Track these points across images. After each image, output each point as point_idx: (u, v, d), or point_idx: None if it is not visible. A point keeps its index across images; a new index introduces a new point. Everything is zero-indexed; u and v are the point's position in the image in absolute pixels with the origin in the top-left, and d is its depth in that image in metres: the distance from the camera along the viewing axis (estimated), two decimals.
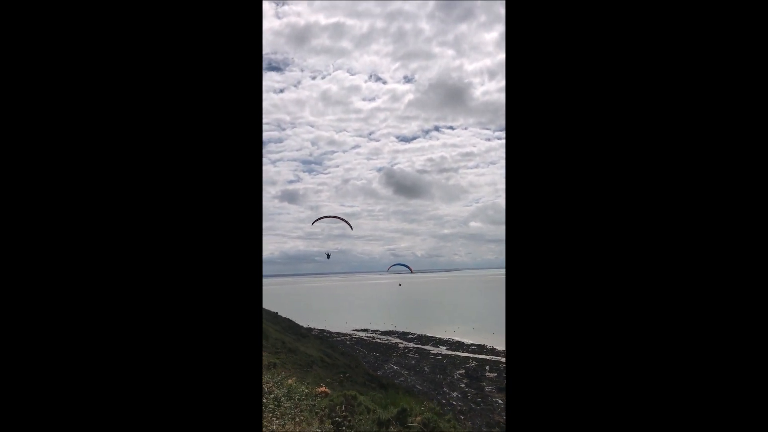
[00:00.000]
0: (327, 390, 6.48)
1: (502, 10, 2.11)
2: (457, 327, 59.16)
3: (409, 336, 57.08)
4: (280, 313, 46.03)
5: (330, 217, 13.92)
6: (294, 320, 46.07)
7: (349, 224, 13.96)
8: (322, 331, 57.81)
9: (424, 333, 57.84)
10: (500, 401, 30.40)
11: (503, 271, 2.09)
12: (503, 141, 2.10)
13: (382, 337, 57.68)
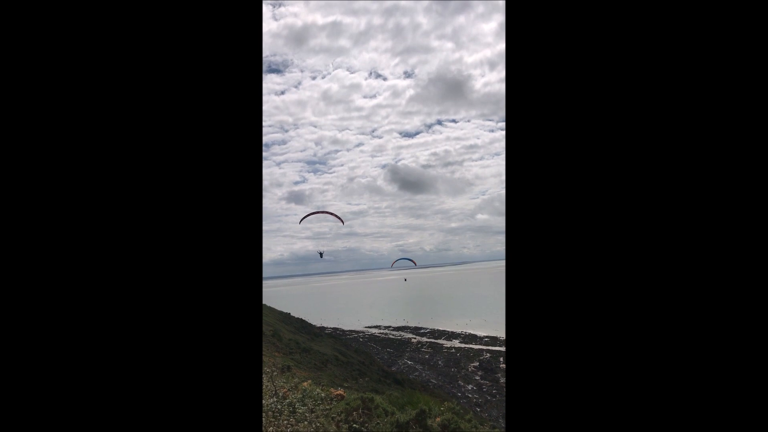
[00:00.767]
0: (343, 393, 6.36)
1: (501, 1, 2.02)
2: (469, 320, 59.05)
3: (422, 331, 57.09)
4: (292, 314, 46.23)
5: (318, 213, 13.33)
6: (306, 320, 46.26)
7: (339, 219, 13.39)
8: (335, 329, 58.05)
9: (436, 327, 57.83)
10: None
11: None
12: None
13: (394, 333, 57.76)
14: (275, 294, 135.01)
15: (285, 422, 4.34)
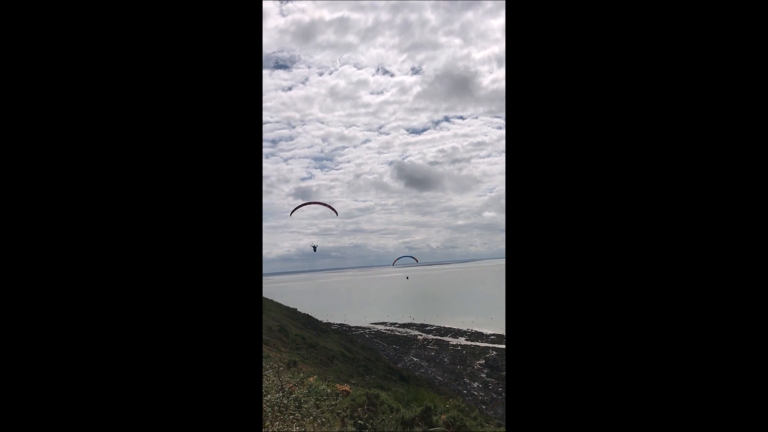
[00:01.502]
0: (348, 389, 6.38)
1: None
2: (475, 317, 58.90)
3: (428, 328, 57.08)
4: (299, 309, 46.47)
5: (310, 203, 12.66)
6: (313, 316, 46.47)
7: (333, 210, 12.68)
8: (341, 325, 58.27)
9: (442, 324, 57.78)
10: None
11: None
12: None
13: (400, 329, 57.82)
14: (282, 289, 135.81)
15: (291, 417, 4.37)
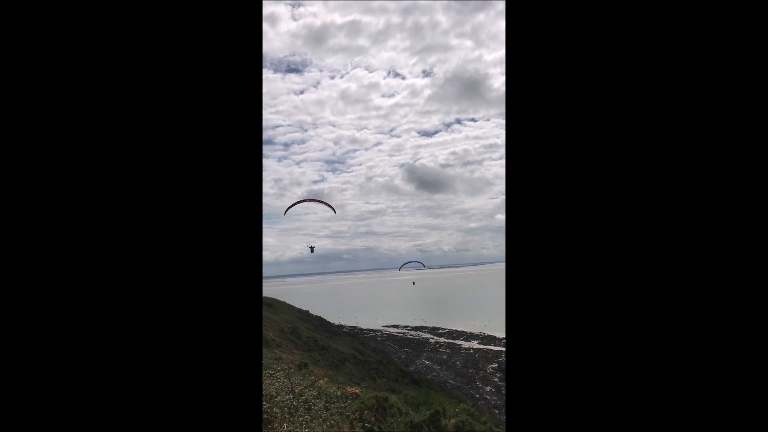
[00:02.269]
0: (358, 391, 6.40)
1: None
2: (488, 321, 58.34)
3: (440, 331, 56.77)
4: (311, 311, 46.69)
5: (306, 201, 11.74)
6: (325, 318, 46.64)
7: (330, 207, 11.90)
8: (353, 327, 58.32)
9: (454, 328, 57.40)
10: None
11: None
12: None
13: (412, 332, 57.62)
14: (295, 291, 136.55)
15: (300, 419, 4.41)
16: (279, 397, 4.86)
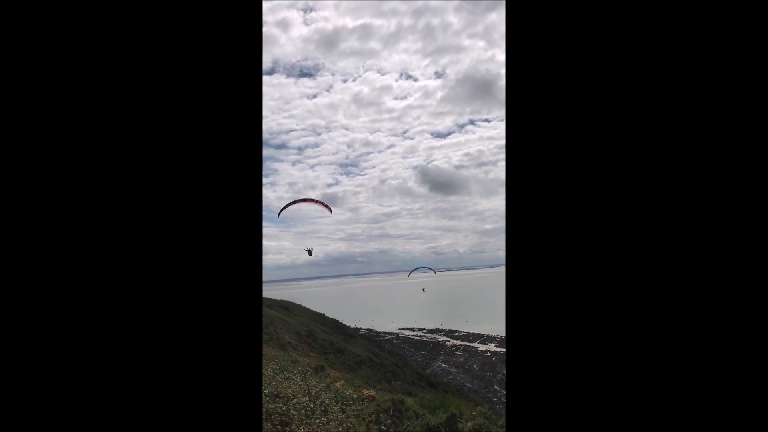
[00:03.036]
0: (374, 394, 6.41)
1: None
2: (504, 323, 57.57)
3: (456, 334, 56.34)
4: (327, 314, 46.93)
5: (301, 201, 11.00)
6: (341, 321, 46.81)
7: (327, 207, 11.21)
8: (369, 330, 58.36)
9: (471, 330, 56.88)
10: None
11: None
12: None
13: (428, 335, 57.34)
14: (310, 294, 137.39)
15: (317, 421, 4.45)
16: (296, 399, 4.91)
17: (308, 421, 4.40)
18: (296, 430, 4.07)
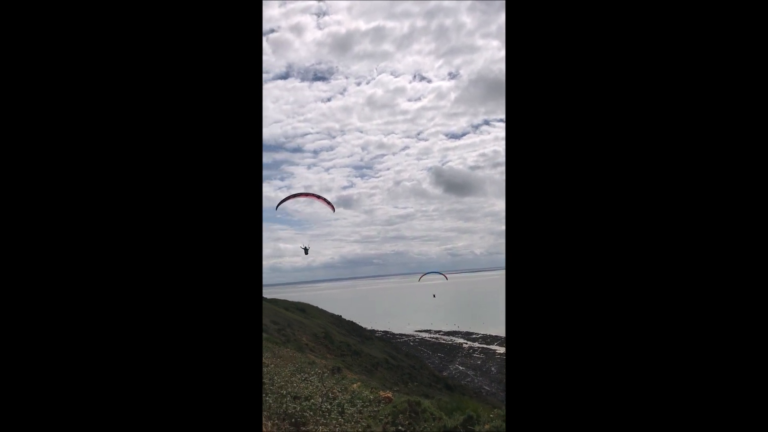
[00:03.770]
0: (391, 396, 6.40)
1: None
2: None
3: (473, 336, 55.80)
4: (343, 316, 47.07)
5: (300, 195, 10.38)
6: (357, 322, 46.89)
7: (329, 204, 10.43)
8: (385, 332, 58.28)
9: (488, 332, 56.23)
10: None
11: None
12: None
13: (445, 337, 56.94)
14: (326, 297, 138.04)
15: (333, 421, 4.46)
16: (312, 400, 4.94)
17: (325, 421, 4.42)
18: (313, 429, 4.10)
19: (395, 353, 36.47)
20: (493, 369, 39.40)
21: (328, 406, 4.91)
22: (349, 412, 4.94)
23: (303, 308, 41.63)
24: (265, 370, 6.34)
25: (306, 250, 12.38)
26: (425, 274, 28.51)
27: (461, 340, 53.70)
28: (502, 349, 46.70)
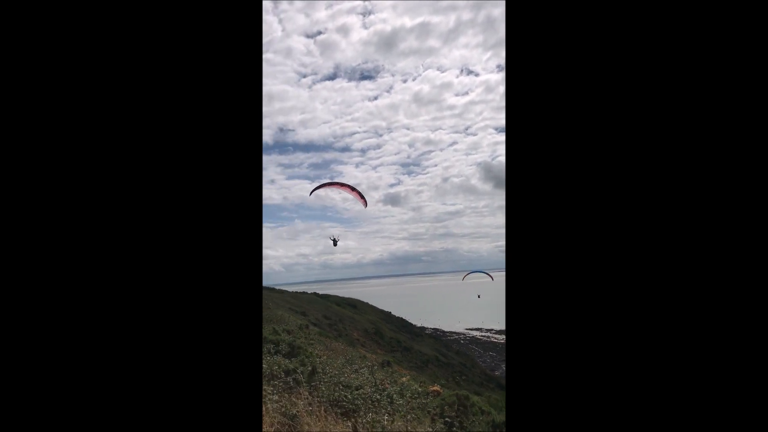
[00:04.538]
0: (439, 389, 6.45)
1: None
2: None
3: None
4: (393, 313, 47.47)
5: (334, 185, 9.99)
6: (407, 319, 47.08)
7: (362, 197, 9.98)
8: (435, 330, 57.99)
9: None
10: None
11: None
12: None
13: (497, 336, 55.61)
14: (376, 293, 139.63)
15: (383, 411, 4.60)
16: (362, 390, 5.11)
17: (374, 409, 4.57)
18: (362, 416, 4.26)
19: (446, 351, 36.22)
20: None
21: (378, 397, 5.06)
22: (398, 402, 5.06)
23: (354, 304, 42.49)
24: (317, 360, 6.63)
25: (335, 242, 12.14)
26: (469, 273, 27.94)
27: None
28: None
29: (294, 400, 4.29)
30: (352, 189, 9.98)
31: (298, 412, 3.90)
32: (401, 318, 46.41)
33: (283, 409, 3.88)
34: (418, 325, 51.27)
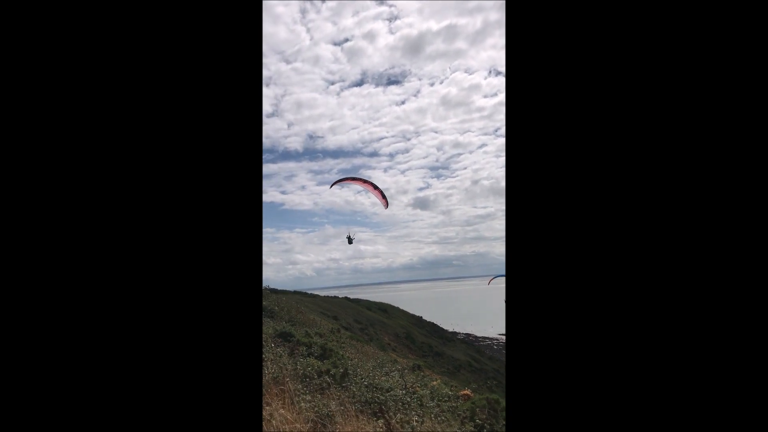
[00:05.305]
0: (470, 393, 6.43)
1: None
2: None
3: None
4: (424, 317, 47.17)
5: (356, 180, 9.78)
6: (438, 324, 46.65)
7: (383, 196, 9.71)
8: (467, 335, 57.12)
9: None
10: None
11: None
12: None
13: None
14: (406, 297, 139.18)
15: (413, 412, 4.66)
16: (393, 392, 5.19)
17: (404, 410, 4.64)
18: (392, 417, 4.34)
19: (478, 356, 35.63)
20: None
21: (408, 399, 5.12)
22: (428, 405, 5.10)
23: (384, 308, 42.58)
24: (349, 363, 6.77)
25: (350, 240, 11.86)
26: (494, 277, 27.10)
27: None
28: None
29: (326, 400, 4.43)
30: (375, 187, 9.81)
31: (330, 411, 4.03)
32: (432, 323, 45.99)
33: (316, 408, 4.03)
34: (450, 330, 50.64)
